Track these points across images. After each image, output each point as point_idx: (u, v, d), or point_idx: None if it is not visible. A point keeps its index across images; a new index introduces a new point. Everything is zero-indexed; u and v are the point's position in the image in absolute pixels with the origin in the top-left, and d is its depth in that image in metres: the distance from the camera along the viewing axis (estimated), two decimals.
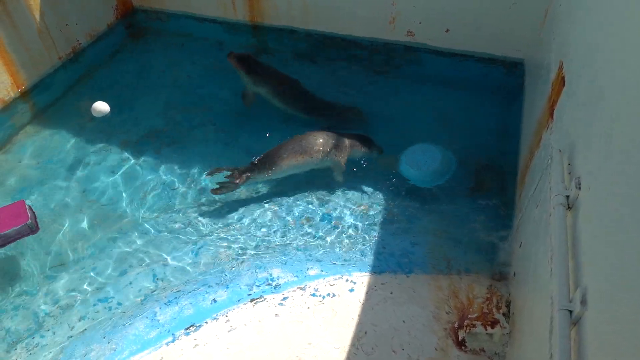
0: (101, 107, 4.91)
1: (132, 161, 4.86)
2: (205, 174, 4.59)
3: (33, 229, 3.80)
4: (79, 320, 3.59)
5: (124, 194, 4.56)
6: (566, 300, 1.85)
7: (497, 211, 4.09)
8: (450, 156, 4.57)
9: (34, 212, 3.98)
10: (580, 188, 2.12)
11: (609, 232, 1.69)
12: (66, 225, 4.28)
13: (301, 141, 4.55)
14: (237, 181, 4.39)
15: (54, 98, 5.63)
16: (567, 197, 2.21)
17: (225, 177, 4.45)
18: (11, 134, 5.18)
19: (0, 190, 4.58)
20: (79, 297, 3.76)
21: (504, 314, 3.22)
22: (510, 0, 4.95)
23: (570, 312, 1.81)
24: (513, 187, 4.20)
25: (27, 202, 4.05)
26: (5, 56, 5.13)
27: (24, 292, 3.79)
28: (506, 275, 3.55)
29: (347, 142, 4.59)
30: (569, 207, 2.20)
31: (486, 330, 3.13)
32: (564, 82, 2.96)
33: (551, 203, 2.27)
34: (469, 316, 3.25)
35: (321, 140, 4.54)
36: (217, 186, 4.41)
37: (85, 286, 3.83)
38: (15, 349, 3.43)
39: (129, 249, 4.08)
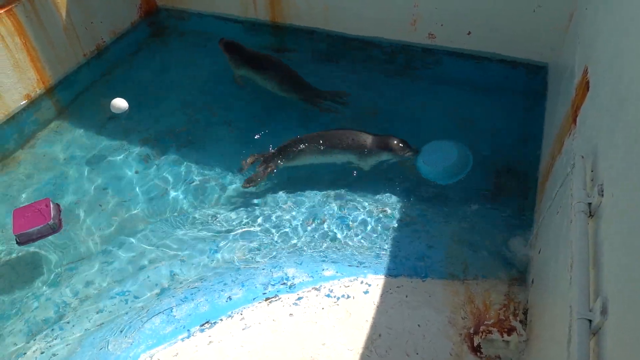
0: (120, 103, 4.99)
1: (151, 159, 4.92)
2: (241, 168, 4.68)
3: (55, 228, 3.86)
4: (97, 313, 3.65)
5: (142, 190, 4.62)
6: (586, 310, 1.81)
7: (516, 216, 4.03)
8: (467, 154, 4.51)
9: (59, 211, 4.03)
10: (602, 195, 2.08)
11: (632, 241, 1.66)
12: (86, 219, 4.36)
13: (323, 136, 4.62)
14: (262, 174, 4.53)
15: (77, 94, 5.75)
16: (589, 204, 2.17)
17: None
18: (35, 130, 5.29)
19: (24, 184, 4.69)
20: (97, 291, 3.82)
21: (521, 321, 3.18)
22: (535, 3, 4.89)
23: (590, 321, 1.78)
24: (533, 192, 4.14)
25: (54, 200, 4.11)
26: (31, 52, 5.26)
27: (45, 284, 3.87)
28: (524, 281, 3.50)
29: (375, 144, 4.58)
30: (590, 215, 2.16)
31: (502, 337, 3.10)
32: (589, 87, 2.90)
33: (572, 210, 2.22)
34: (485, 322, 3.22)
35: (345, 139, 4.57)
36: (246, 181, 4.53)
37: (103, 280, 3.89)
38: (35, 340, 3.51)
39: (146, 245, 4.14)
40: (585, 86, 2.97)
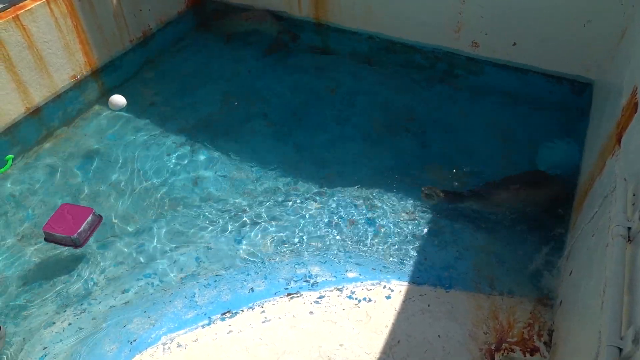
0: (118, 100, 5.08)
1: (187, 146, 5.02)
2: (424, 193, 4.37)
3: (77, 244, 3.86)
4: (123, 293, 3.75)
5: (175, 177, 4.71)
6: (617, 337, 1.76)
7: (548, 234, 3.93)
8: None
9: (95, 225, 3.98)
10: None
11: None
12: (120, 201, 4.48)
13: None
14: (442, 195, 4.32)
15: (121, 79, 5.90)
16: (629, 228, 2.10)
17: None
18: (80, 111, 5.47)
19: (63, 162, 4.86)
20: (125, 271, 3.93)
21: (545, 343, 3.11)
22: (585, 18, 4.74)
23: (620, 350, 1.72)
24: (569, 211, 4.02)
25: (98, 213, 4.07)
26: (81, 35, 5.42)
27: (77, 261, 3.99)
28: (551, 302, 3.41)
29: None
30: (629, 240, 2.09)
31: (525, 356, 3.04)
32: (637, 108, 2.80)
33: (610, 233, 2.16)
34: (508, 340, 3.16)
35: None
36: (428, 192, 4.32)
37: (132, 260, 3.99)
38: (65, 312, 3.64)
39: (175, 230, 4.22)
40: (633, 107, 2.87)
